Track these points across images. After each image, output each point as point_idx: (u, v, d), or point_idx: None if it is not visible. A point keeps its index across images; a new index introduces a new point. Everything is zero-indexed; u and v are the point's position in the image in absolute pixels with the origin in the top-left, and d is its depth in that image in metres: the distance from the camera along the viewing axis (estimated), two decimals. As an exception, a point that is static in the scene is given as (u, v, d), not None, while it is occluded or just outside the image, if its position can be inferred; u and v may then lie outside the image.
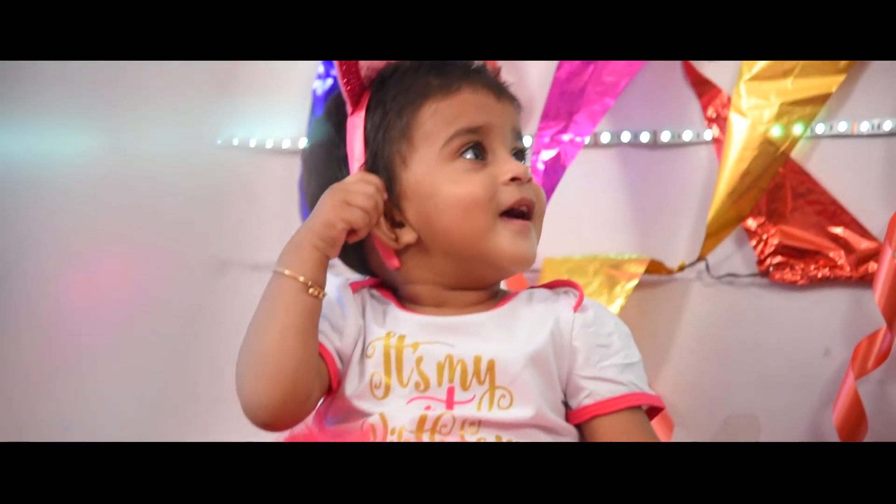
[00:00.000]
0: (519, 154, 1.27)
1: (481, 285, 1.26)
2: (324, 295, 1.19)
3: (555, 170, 1.96)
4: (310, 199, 1.29)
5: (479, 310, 1.24)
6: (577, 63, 2.01)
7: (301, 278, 1.17)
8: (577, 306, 1.24)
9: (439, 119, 1.22)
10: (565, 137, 1.96)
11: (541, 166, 1.96)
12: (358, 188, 1.20)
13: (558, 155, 1.96)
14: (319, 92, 2.12)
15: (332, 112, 1.29)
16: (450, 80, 1.23)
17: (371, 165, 1.23)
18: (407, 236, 1.22)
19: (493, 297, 1.27)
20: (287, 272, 1.17)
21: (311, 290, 1.17)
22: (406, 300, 1.26)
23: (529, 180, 1.25)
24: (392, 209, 1.23)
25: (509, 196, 1.22)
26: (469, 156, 1.22)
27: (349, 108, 1.25)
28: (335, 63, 1.23)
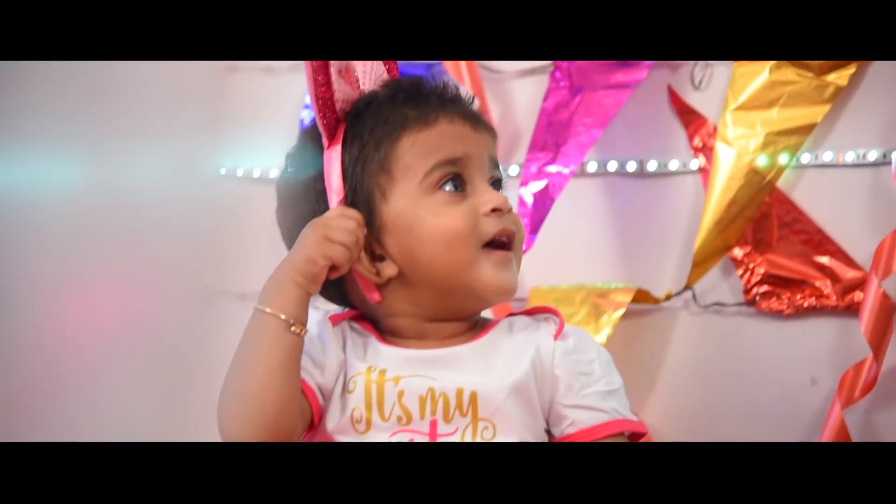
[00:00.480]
0: (496, 183, 1.28)
1: (463, 316, 1.26)
2: (305, 332, 1.18)
3: (543, 201, 1.96)
4: (286, 232, 1.29)
5: (461, 341, 1.24)
6: (564, 94, 2.02)
7: (283, 316, 1.16)
8: (558, 334, 1.24)
9: (418, 151, 1.22)
10: (553, 169, 1.97)
11: (529, 199, 1.96)
12: (339, 223, 1.19)
13: (546, 187, 1.96)
14: (307, 121, 2.13)
15: (307, 144, 1.28)
16: (426, 111, 1.23)
17: (350, 199, 1.23)
18: (388, 270, 1.22)
19: (473, 326, 1.27)
20: (269, 310, 1.16)
21: (293, 328, 1.16)
22: (387, 333, 1.26)
23: (509, 210, 1.25)
24: (372, 243, 1.23)
25: (491, 227, 1.22)
26: (449, 187, 1.22)
27: (325, 142, 1.24)
28: (310, 96, 1.23)
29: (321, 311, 1.26)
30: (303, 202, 1.26)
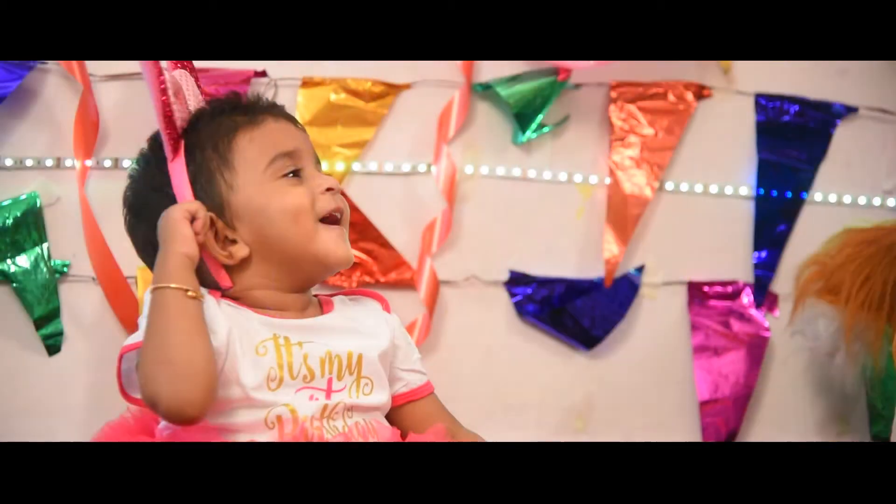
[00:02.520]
0: None
1: (310, 285, 1.43)
2: (202, 297, 1.30)
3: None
4: (142, 242, 1.41)
5: (315, 313, 1.42)
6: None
7: (174, 285, 1.28)
8: (389, 310, 1.47)
9: (257, 146, 1.39)
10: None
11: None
12: (181, 204, 1.35)
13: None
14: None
15: (150, 159, 1.42)
16: (254, 114, 1.41)
17: (200, 198, 1.37)
18: (240, 252, 1.37)
19: (312, 302, 1.44)
20: (172, 285, 1.28)
21: (189, 293, 1.29)
22: (258, 307, 1.38)
23: (340, 191, 1.42)
24: (225, 230, 1.37)
25: (326, 204, 1.40)
26: (288, 175, 1.39)
27: (169, 155, 1.39)
28: (157, 112, 1.37)
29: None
30: (157, 212, 1.36)
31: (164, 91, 1.37)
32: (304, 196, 1.38)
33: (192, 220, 1.33)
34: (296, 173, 1.40)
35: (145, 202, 1.41)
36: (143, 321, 1.29)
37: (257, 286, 1.38)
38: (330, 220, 1.40)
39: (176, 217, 1.32)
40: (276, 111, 1.44)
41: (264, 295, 1.38)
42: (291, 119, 1.45)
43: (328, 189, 1.40)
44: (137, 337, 1.29)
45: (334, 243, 1.39)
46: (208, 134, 1.39)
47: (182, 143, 1.39)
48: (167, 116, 1.37)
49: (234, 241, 1.37)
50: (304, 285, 1.41)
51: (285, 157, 1.39)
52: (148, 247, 1.38)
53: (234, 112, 1.41)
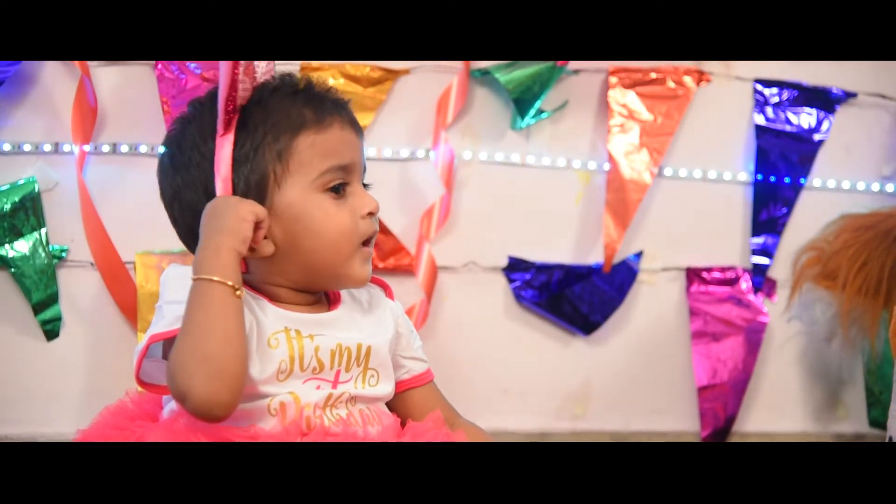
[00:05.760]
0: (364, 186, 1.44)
1: (317, 291, 1.42)
2: (242, 294, 1.29)
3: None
4: (171, 193, 1.39)
5: (324, 308, 1.41)
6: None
7: (230, 283, 1.27)
8: (393, 297, 1.48)
9: (315, 152, 1.36)
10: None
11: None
12: (245, 202, 1.32)
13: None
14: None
15: (206, 121, 1.37)
16: (322, 114, 1.37)
17: (241, 183, 1.35)
18: (266, 248, 1.35)
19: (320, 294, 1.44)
20: (216, 278, 1.27)
21: (237, 293, 1.27)
22: (272, 299, 1.38)
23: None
24: None
25: (367, 228, 1.39)
26: (336, 189, 1.37)
27: (220, 129, 1.35)
28: (223, 88, 1.33)
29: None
30: (199, 172, 1.36)
31: (235, 64, 1.34)
32: (347, 219, 1.36)
33: (256, 224, 1.31)
34: (342, 188, 1.37)
35: (188, 161, 1.38)
36: (171, 307, 1.28)
37: (272, 283, 1.38)
38: (365, 243, 1.40)
39: (244, 215, 1.29)
40: (343, 113, 1.40)
41: (278, 291, 1.38)
42: (356, 125, 1.42)
43: (370, 213, 1.39)
44: (166, 326, 1.28)
45: (361, 267, 1.39)
46: (274, 120, 1.36)
47: (235, 119, 1.36)
48: (232, 91, 1.35)
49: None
50: (315, 290, 1.41)
51: (339, 170, 1.37)
52: (175, 203, 1.39)
53: (308, 105, 1.38)
